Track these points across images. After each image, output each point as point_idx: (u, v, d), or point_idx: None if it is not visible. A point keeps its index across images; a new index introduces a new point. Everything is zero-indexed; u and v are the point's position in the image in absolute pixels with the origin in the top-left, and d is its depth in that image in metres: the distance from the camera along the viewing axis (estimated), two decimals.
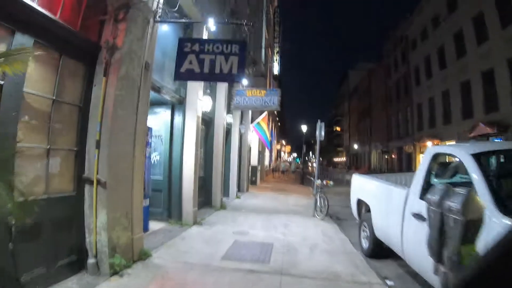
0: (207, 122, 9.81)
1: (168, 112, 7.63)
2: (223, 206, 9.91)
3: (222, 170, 9.97)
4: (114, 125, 4.39)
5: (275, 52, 21.28)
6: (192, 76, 4.91)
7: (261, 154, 20.72)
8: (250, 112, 14.69)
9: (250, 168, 17.68)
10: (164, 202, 7.61)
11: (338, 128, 75.35)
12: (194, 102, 7.50)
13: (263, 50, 19.13)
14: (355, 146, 49.88)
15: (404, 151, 31.85)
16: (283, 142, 50.62)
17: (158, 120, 7.75)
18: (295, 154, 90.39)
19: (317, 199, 9.20)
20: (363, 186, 6.66)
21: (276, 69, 21.29)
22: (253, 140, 17.90)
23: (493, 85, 19.86)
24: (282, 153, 51.43)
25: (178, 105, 7.58)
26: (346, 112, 64.31)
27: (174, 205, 7.58)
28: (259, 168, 18.84)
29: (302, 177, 21.54)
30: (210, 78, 4.92)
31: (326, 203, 8.85)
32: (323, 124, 9.36)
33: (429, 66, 27.69)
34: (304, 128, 22.33)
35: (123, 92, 4.61)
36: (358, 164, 50.10)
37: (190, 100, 7.55)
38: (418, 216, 4.01)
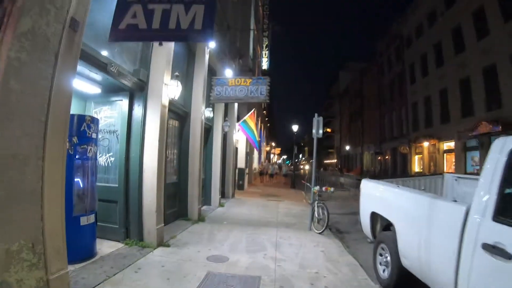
0: (181, 116, 8.14)
1: (125, 102, 5.93)
2: (201, 218, 8.22)
3: (200, 175, 8.30)
4: (2, 107, 2.72)
5: (264, 46, 19.75)
6: (135, 34, 3.29)
7: (249, 155, 19.09)
8: (235, 107, 13.04)
9: (236, 171, 16.05)
10: (121, 216, 5.90)
11: (328, 130, 74.01)
12: (158, 88, 5.83)
13: (251, 43, 17.56)
14: (347, 148, 48.54)
15: (399, 152, 30.56)
16: (273, 143, 48.99)
17: (113, 112, 6.08)
18: (285, 156, 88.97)
19: (315, 208, 7.60)
20: (380, 196, 5.07)
21: (265, 64, 19.72)
22: (240, 140, 16.27)
23: (495, 81, 18.65)
24: (272, 155, 49.81)
25: (138, 92, 5.89)
26: (337, 113, 63.09)
27: (133, 221, 5.88)
28: (247, 171, 17.20)
29: (293, 181, 19.96)
30: (162, 36, 3.26)
31: (325, 213, 7.26)
32: (320, 119, 7.77)
33: (425, 63, 26.49)
34: (295, 128, 20.75)
35: (24, 56, 2.92)
36: (350, 166, 48.81)
37: (153, 85, 5.88)
38: (495, 250, 2.44)
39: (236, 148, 16.27)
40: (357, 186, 16.82)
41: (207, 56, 8.63)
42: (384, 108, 35.86)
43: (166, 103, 5.99)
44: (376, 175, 32.57)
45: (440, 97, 24.18)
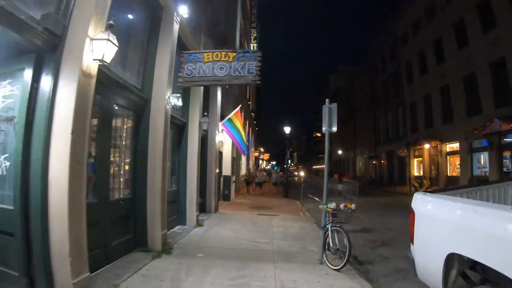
0: (136, 105, 5.78)
1: (28, 71, 3.58)
2: (166, 248, 5.84)
3: (163, 187, 5.94)
4: None
5: (252, 38, 17.59)
6: None
7: (235, 161, 16.77)
8: (218, 100, 10.72)
9: (221, 179, 13.69)
10: (19, 258, 3.53)
11: (318, 134, 72.33)
12: (79, 45, 3.50)
13: (237, 33, 15.35)
14: (338, 152, 46.49)
15: (396, 155, 28.67)
16: (261, 149, 46.61)
17: (13, 88, 3.78)
18: (273, 162, 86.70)
19: (328, 234, 5.30)
20: (467, 226, 2.79)
21: None
22: (225, 143, 13.93)
23: (505, 75, 16.91)
24: (261, 161, 47.45)
25: (49, 53, 3.56)
26: None
27: (38, 266, 3.51)
28: (233, 179, 14.84)
29: (286, 189, 17.66)
30: None
31: (346, 241, 4.97)
32: (334, 106, 5.49)
33: (423, 61, 24.75)
34: (287, 129, 18.51)
35: None
36: (342, 171, 46.85)
37: (72, 41, 3.55)
38: None
39: (221, 153, 13.92)
40: (362, 194, 14.79)
41: (176, 26, 6.32)
42: (378, 109, 34.08)
43: (92, 70, 3.66)
44: (374, 181, 30.61)
45: (442, 96, 22.41)
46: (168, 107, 6.03)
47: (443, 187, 18.95)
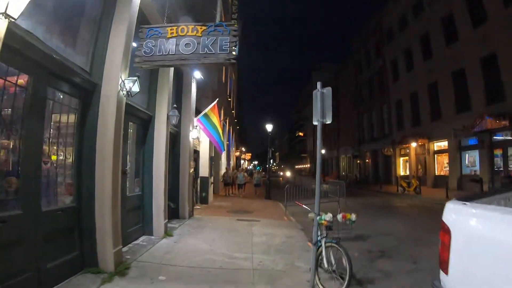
0: (83, 91, 4.57)
1: None
2: (120, 269, 4.66)
3: (115, 193, 4.73)
4: None
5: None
6: None
7: (214, 161, 15.59)
8: (192, 90, 9.51)
9: (198, 181, 12.51)
10: None
11: (301, 134, 71.80)
12: None
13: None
14: (323, 151, 45.78)
15: (382, 154, 28.08)
16: (243, 149, 45.33)
17: None
18: (255, 162, 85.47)
19: (322, 252, 4.22)
20: None
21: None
22: (202, 141, 12.74)
23: (496, 72, 16.37)
24: (242, 161, 46.25)
25: None
26: (310, 115, 60.09)
27: None
28: (211, 180, 13.64)
29: (269, 190, 16.58)
30: None
31: (345, 261, 3.90)
32: (328, 91, 4.43)
33: (410, 57, 24.20)
34: (269, 127, 17.39)
35: None
36: (326, 171, 46.18)
37: None
38: None
39: (197, 151, 12.73)
40: (348, 194, 13.90)
41: None
42: (362, 107, 33.50)
43: None
44: (359, 181, 29.95)
45: (429, 93, 21.87)
46: (122, 93, 4.83)
47: (462, 194, 18.31)
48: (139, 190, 6.80)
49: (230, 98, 20.92)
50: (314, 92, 4.50)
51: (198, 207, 11.55)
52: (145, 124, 6.91)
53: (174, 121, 6.96)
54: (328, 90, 4.39)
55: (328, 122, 4.37)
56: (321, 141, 4.55)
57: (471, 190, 17.03)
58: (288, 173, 54.49)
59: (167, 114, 6.98)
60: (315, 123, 4.50)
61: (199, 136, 11.23)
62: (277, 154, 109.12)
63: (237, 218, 9.51)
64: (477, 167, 17.93)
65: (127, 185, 6.32)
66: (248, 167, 55.67)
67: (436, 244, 2.65)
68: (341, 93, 41.04)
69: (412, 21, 23.96)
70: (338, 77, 42.50)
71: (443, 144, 20.77)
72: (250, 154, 56.99)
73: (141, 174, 6.81)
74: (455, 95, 19.35)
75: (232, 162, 30.52)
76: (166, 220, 7.12)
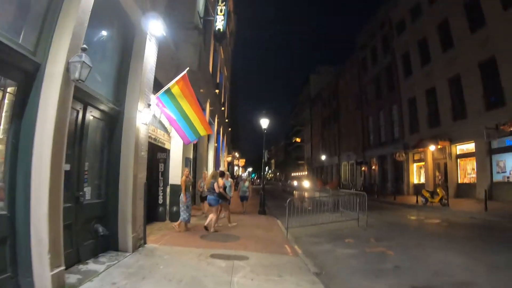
0: None
1: None
2: None
3: None
4: None
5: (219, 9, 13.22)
6: None
7: (196, 163, 12.31)
8: (147, 52, 6.13)
9: (167, 190, 9.24)
10: None
11: (298, 139, 68.47)
12: None
13: None
14: (322, 157, 42.34)
15: (391, 160, 24.92)
16: (236, 154, 41.72)
17: None
18: (250, 169, 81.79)
19: None
20: None
21: (220, 23, 13.08)
22: (174, 136, 9.42)
23: None
24: (236, 167, 42.71)
25: None
26: (307, 120, 57.23)
27: None
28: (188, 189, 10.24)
29: (263, 202, 13.16)
30: None
31: None
32: None
33: (425, 49, 21.16)
34: (264, 123, 14.02)
35: None
36: (325, 179, 42.89)
37: None
38: None
39: (166, 150, 9.45)
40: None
41: None
42: (368, 109, 30.38)
43: None
44: (365, 190, 26.43)
45: (450, 88, 18.77)
46: None
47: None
48: (3, 207, 3.47)
49: (218, 90, 17.60)
50: None
51: (159, 230, 8.19)
52: (28, 81, 3.63)
53: (76, 74, 3.63)
54: None
55: None
56: None
57: (505, 200, 13.98)
58: (306, 184, 35.68)
59: (67, 62, 3.67)
60: None
61: (159, 118, 7.97)
62: (273, 161, 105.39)
63: (212, 251, 6.08)
64: (508, 173, 14.94)
65: None
66: (243, 174, 51.70)
67: None
68: (342, 96, 38.06)
69: (427, 8, 20.99)
70: (339, 79, 39.51)
71: (468, 147, 17.65)
72: (244, 160, 53.27)
73: (8, 177, 3.49)
74: (483, 88, 16.30)
75: (224, 168, 27.16)
76: (62, 268, 3.76)
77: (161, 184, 9.32)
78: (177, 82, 6.32)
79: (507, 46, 14.67)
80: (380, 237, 8.21)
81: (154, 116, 7.22)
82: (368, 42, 30.63)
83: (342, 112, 37.87)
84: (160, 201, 9.29)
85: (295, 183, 36.84)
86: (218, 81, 19.83)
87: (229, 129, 29.96)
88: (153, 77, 6.68)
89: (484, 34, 16.14)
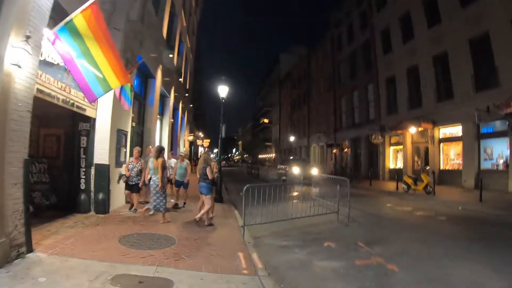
0: None
1: None
2: None
3: None
4: None
5: None
6: None
7: (138, 137, 9.90)
8: None
9: (92, 171, 6.87)
10: None
11: (266, 120, 66.65)
12: None
13: None
14: (291, 139, 40.66)
15: (365, 142, 23.61)
16: (200, 134, 38.77)
17: None
18: (216, 150, 79.11)
19: None
20: None
21: None
22: (102, 101, 6.92)
23: None
24: (201, 148, 40.00)
25: None
26: (276, 101, 55.27)
27: None
28: (123, 171, 7.82)
29: (220, 190, 10.77)
30: None
31: None
32: None
33: (407, 24, 19.48)
34: (223, 90, 11.42)
35: None
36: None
37: None
38: None
39: (90, 118, 6.98)
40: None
41: None
42: (341, 89, 28.78)
43: None
44: (336, 174, 25.06)
45: (435, 66, 17.33)
46: None
47: None
48: None
49: (173, 55, 14.81)
50: None
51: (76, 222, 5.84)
52: None
53: None
54: None
55: None
56: None
57: (495, 189, 12.86)
58: (315, 171, 19.27)
59: None
60: None
61: (56, 61, 5.46)
62: (240, 142, 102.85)
63: (122, 268, 3.74)
64: (502, 160, 13.82)
65: None
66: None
67: None
68: (314, 77, 36.28)
69: None
70: (311, 59, 37.60)
71: (452, 130, 16.45)
72: (209, 140, 50.51)
73: None
74: (474, 67, 14.95)
75: (185, 148, 24.62)
76: None
77: (83, 164, 6.86)
78: (82, 11, 3.92)
79: (501, 19, 13.29)
80: (369, 238, 6.33)
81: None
82: (343, 19, 28.73)
83: (314, 92, 36.17)
84: (82, 186, 6.88)
85: (295, 170, 20.10)
86: (177, 48, 17.10)
87: (191, 105, 27.17)
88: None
89: (475, 10, 14.68)
